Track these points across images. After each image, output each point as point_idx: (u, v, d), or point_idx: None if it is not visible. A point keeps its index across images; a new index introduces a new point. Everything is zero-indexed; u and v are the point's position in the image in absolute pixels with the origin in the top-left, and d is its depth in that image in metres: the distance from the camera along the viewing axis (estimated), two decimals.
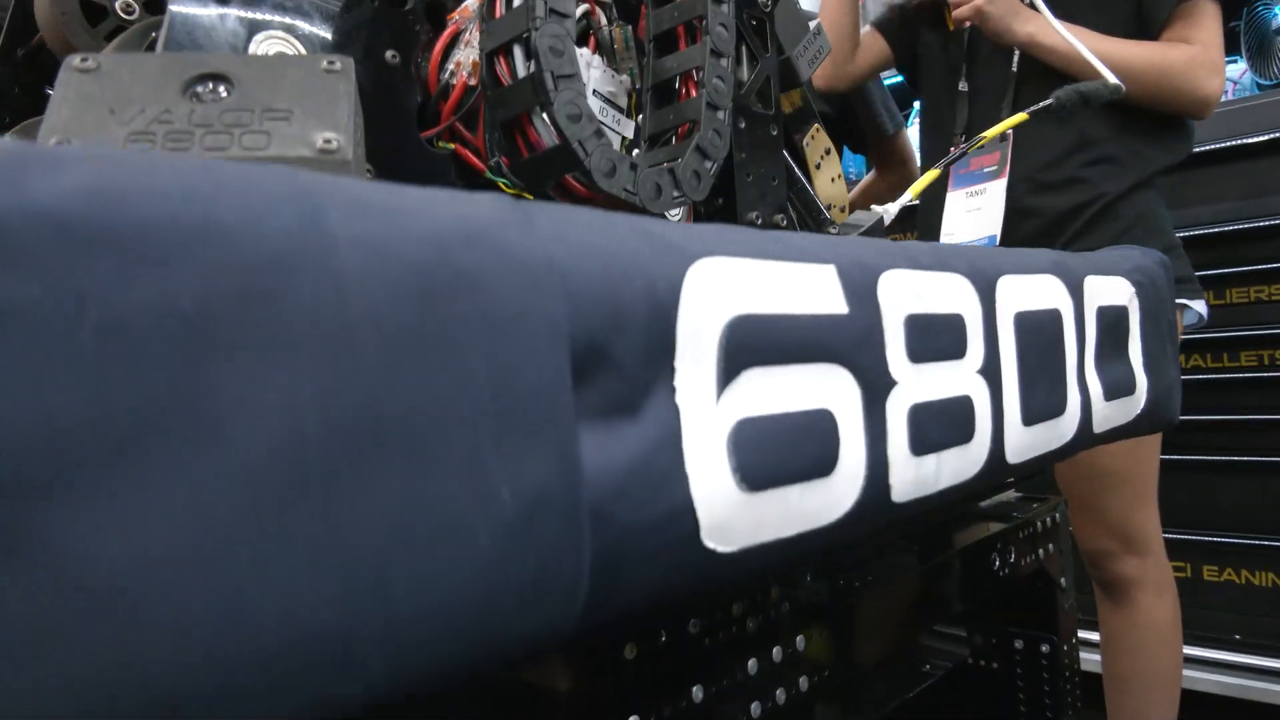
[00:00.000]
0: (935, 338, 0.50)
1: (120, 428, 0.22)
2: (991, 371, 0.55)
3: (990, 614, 1.10)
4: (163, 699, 0.22)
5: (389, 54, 0.58)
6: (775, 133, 0.67)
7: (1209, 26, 1.32)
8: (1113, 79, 0.82)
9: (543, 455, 0.29)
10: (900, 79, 2.86)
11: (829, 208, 1.12)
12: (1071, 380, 0.65)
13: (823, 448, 0.41)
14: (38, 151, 0.22)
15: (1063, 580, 1.08)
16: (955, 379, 0.51)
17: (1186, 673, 2.05)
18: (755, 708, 0.63)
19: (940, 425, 0.49)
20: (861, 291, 0.45)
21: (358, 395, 0.25)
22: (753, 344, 0.38)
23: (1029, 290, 0.61)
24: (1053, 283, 0.64)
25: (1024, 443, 0.59)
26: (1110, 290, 0.73)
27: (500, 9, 0.53)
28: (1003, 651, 1.11)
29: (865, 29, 1.67)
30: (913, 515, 0.50)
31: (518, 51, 0.52)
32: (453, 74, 0.60)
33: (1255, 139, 2.00)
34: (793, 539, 0.40)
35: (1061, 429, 0.64)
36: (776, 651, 0.65)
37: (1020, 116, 0.80)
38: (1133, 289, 0.76)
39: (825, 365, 0.42)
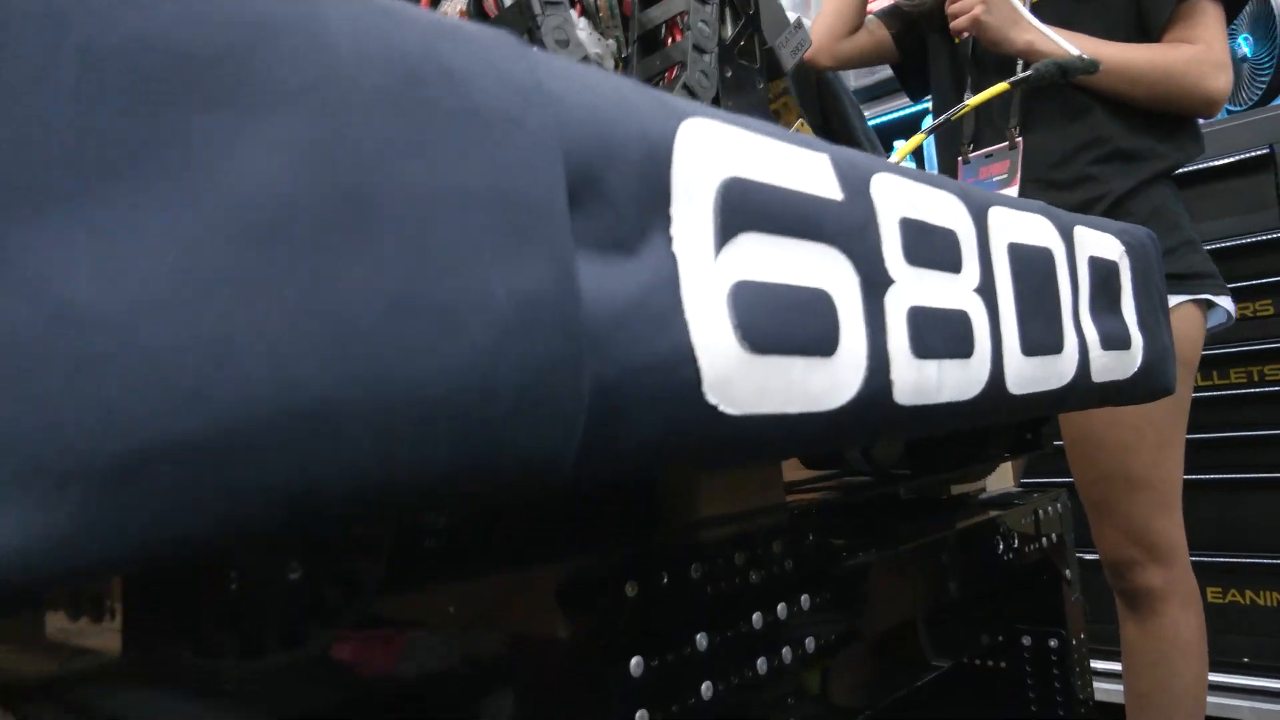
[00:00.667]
0: (930, 244, 0.50)
1: (98, 157, 0.21)
2: (988, 292, 0.55)
3: (996, 609, 1.07)
4: (142, 441, 0.21)
5: None
6: (761, 86, 0.67)
7: (1210, 25, 1.32)
8: (1087, 56, 0.84)
9: (539, 262, 0.28)
10: (904, 112, 2.91)
11: None
12: (1068, 321, 0.64)
13: (823, 326, 0.40)
14: None
15: (1068, 572, 1.06)
16: (952, 292, 0.51)
17: (1211, 699, 2.01)
18: (761, 663, 0.61)
19: (940, 334, 0.49)
20: (855, 184, 0.45)
21: (348, 162, 0.24)
22: (749, 208, 0.37)
23: (1020, 224, 0.61)
24: (1043, 223, 0.64)
25: (1024, 373, 0.58)
26: (1100, 243, 0.73)
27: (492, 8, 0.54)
28: (1011, 649, 1.08)
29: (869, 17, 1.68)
30: (915, 427, 0.49)
31: None
32: None
33: (1228, 160, 2.05)
34: (797, 418, 0.39)
35: (1061, 368, 0.63)
36: (781, 608, 0.63)
37: (1001, 86, 0.81)
38: (1122, 247, 0.77)
39: (822, 246, 0.41)
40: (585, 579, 0.53)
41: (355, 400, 0.24)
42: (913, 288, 0.47)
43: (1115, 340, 0.72)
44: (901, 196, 0.48)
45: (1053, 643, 1.05)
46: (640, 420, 0.32)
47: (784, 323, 0.38)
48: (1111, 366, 0.71)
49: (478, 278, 0.27)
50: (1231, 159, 2.03)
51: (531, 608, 0.52)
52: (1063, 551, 1.05)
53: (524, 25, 0.51)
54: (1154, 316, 0.81)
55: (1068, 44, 1.21)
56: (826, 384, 0.40)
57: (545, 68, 0.31)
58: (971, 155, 1.51)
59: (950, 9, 1.41)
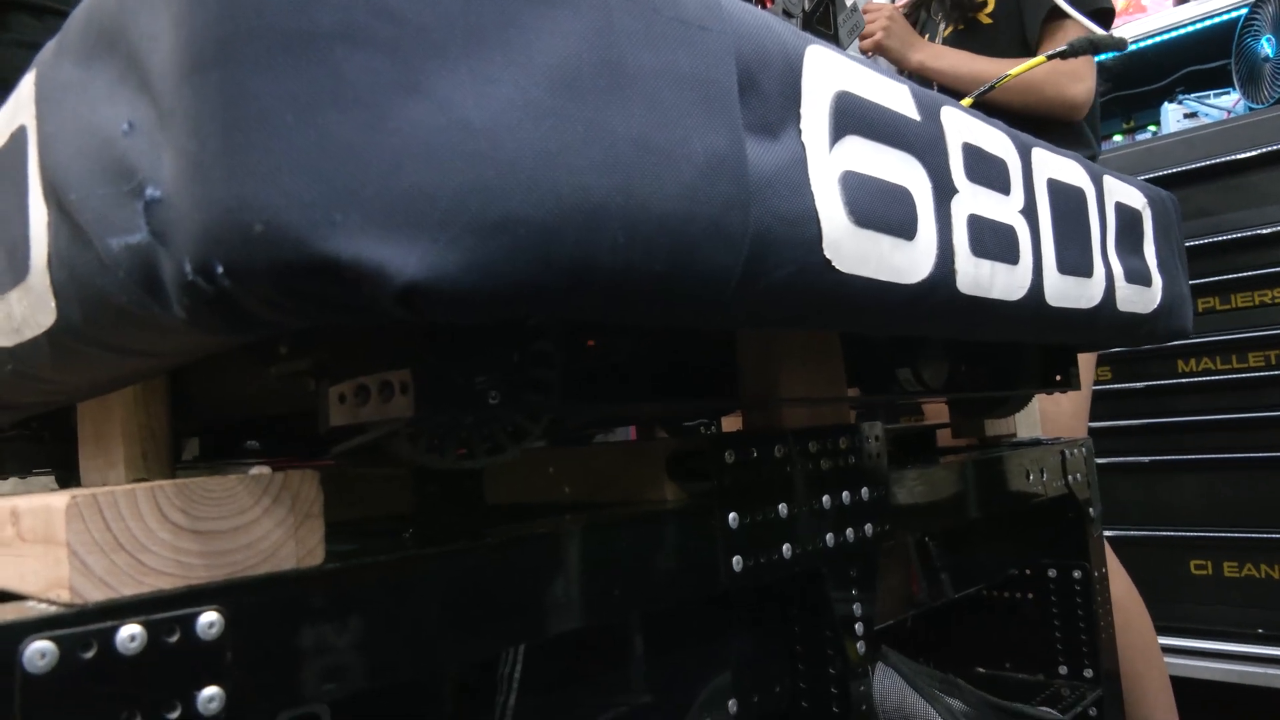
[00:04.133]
0: (986, 167, 0.60)
1: (475, 25, 0.32)
2: (1030, 215, 0.65)
3: (1024, 543, 1.17)
4: (503, 211, 0.32)
5: None
6: None
7: (1069, 37, 1.50)
8: (1116, 35, 0.95)
9: (722, 130, 0.40)
10: None
11: None
12: (1097, 252, 0.75)
13: (906, 214, 0.51)
14: None
15: (1091, 510, 1.16)
16: (1003, 208, 0.62)
17: (1210, 664, 2.09)
18: (829, 538, 0.72)
19: (993, 240, 0.60)
20: (929, 110, 0.56)
21: (610, 43, 0.36)
22: (853, 115, 0.48)
23: (1057, 164, 0.71)
24: (1076, 168, 0.75)
25: (1060, 289, 0.69)
26: (1126, 193, 0.83)
27: None
28: (1037, 581, 1.18)
29: None
30: (972, 319, 0.60)
31: None
32: None
33: (1244, 154, 2.14)
34: (883, 285, 0.50)
35: (1091, 291, 0.73)
36: (846, 495, 0.74)
37: (1039, 59, 0.92)
38: (1145, 199, 0.87)
39: (904, 154, 0.52)
40: (692, 448, 0.64)
41: (617, 206, 0.35)
42: (972, 198, 0.58)
43: (1138, 276, 0.82)
44: (964, 126, 0.59)
45: (1076, 574, 1.15)
46: (780, 259, 0.43)
47: (878, 206, 0.49)
48: (1134, 299, 0.81)
49: (685, 134, 0.38)
50: (1252, 153, 2.12)
51: (647, 470, 0.63)
52: (1087, 491, 1.15)
53: None
54: (1173, 263, 0.91)
55: (957, 58, 1.54)
56: (907, 261, 0.51)
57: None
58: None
59: None
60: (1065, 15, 1.53)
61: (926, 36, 1.66)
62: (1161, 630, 1.80)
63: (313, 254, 0.28)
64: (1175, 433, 2.22)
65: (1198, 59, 2.69)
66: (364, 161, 0.29)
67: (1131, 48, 2.63)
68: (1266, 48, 2.27)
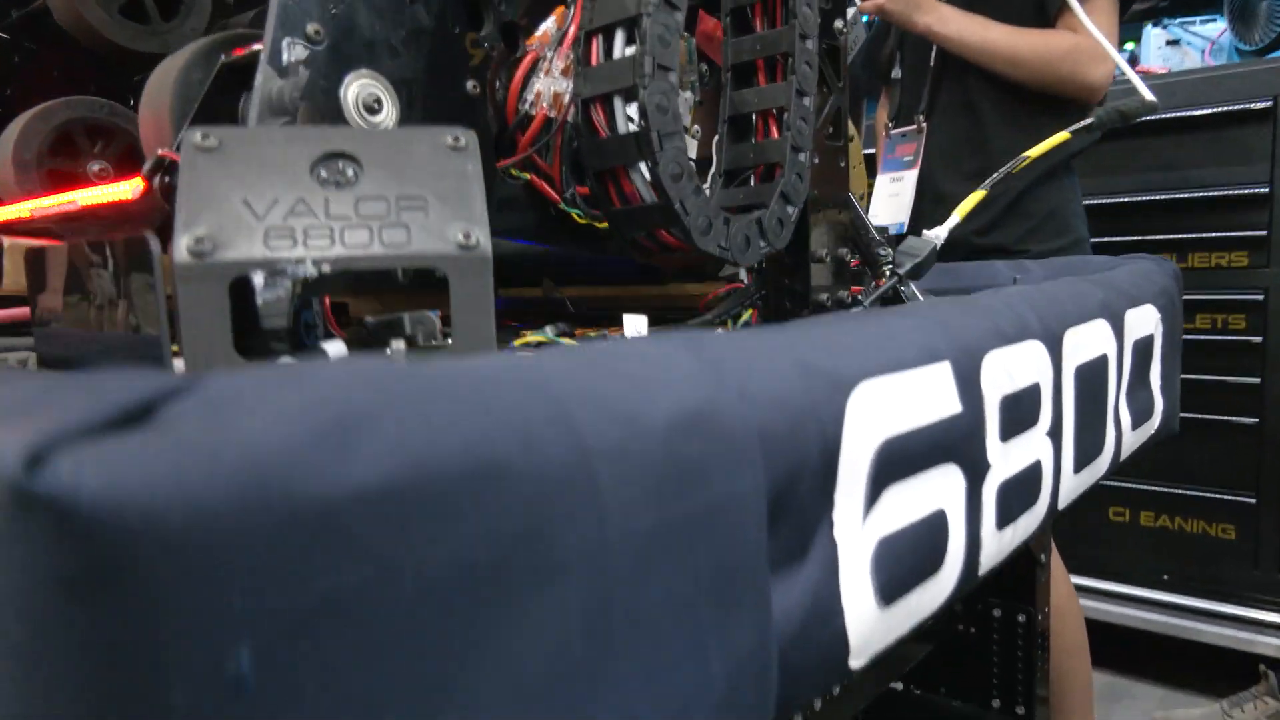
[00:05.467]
0: (1020, 412, 0.52)
1: (432, 665, 0.22)
2: (1056, 431, 0.57)
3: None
4: None
5: (470, 84, 0.56)
6: (844, 164, 0.67)
7: (1097, 16, 1.37)
8: (1149, 95, 0.83)
9: (747, 623, 0.31)
10: None
11: (859, 198, 1.13)
12: (1109, 419, 0.68)
13: (936, 547, 0.43)
14: (347, 415, 0.22)
15: (1042, 557, 1.15)
16: (1031, 447, 0.54)
17: (1121, 609, 2.20)
18: None
19: (1019, 496, 0.52)
20: (970, 384, 0.46)
21: (609, 599, 0.26)
22: (894, 463, 0.39)
23: (1086, 341, 0.63)
24: (1103, 328, 0.66)
25: (1072, 487, 0.62)
26: (1143, 321, 0.76)
27: (598, 55, 0.51)
28: (981, 618, 1.18)
29: None
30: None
31: (617, 102, 0.51)
32: (532, 104, 0.58)
33: (1218, 109, 2.05)
34: (906, 635, 0.42)
35: (1098, 466, 0.67)
36: None
37: (1063, 136, 0.81)
38: (1158, 314, 0.80)
39: (944, 466, 0.43)
40: None
41: None
42: (1004, 465, 0.50)
43: (1142, 414, 0.76)
44: (1003, 372, 0.50)
45: (1020, 618, 1.15)
46: (799, 703, 0.35)
47: (910, 563, 0.41)
48: (1135, 440, 0.75)
49: (701, 664, 0.29)
50: (1231, 108, 2.03)
51: None
52: (1041, 539, 1.13)
53: (641, 157, 0.49)
54: (1173, 369, 0.85)
55: (967, 23, 1.38)
56: (932, 596, 0.44)
57: (747, 401, 0.32)
58: (892, 131, 1.61)
59: None
60: None
61: None
62: (1077, 570, 1.88)
63: None
64: None
65: None
66: None
67: None
68: None
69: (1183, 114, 2.10)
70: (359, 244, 0.38)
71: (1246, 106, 2.02)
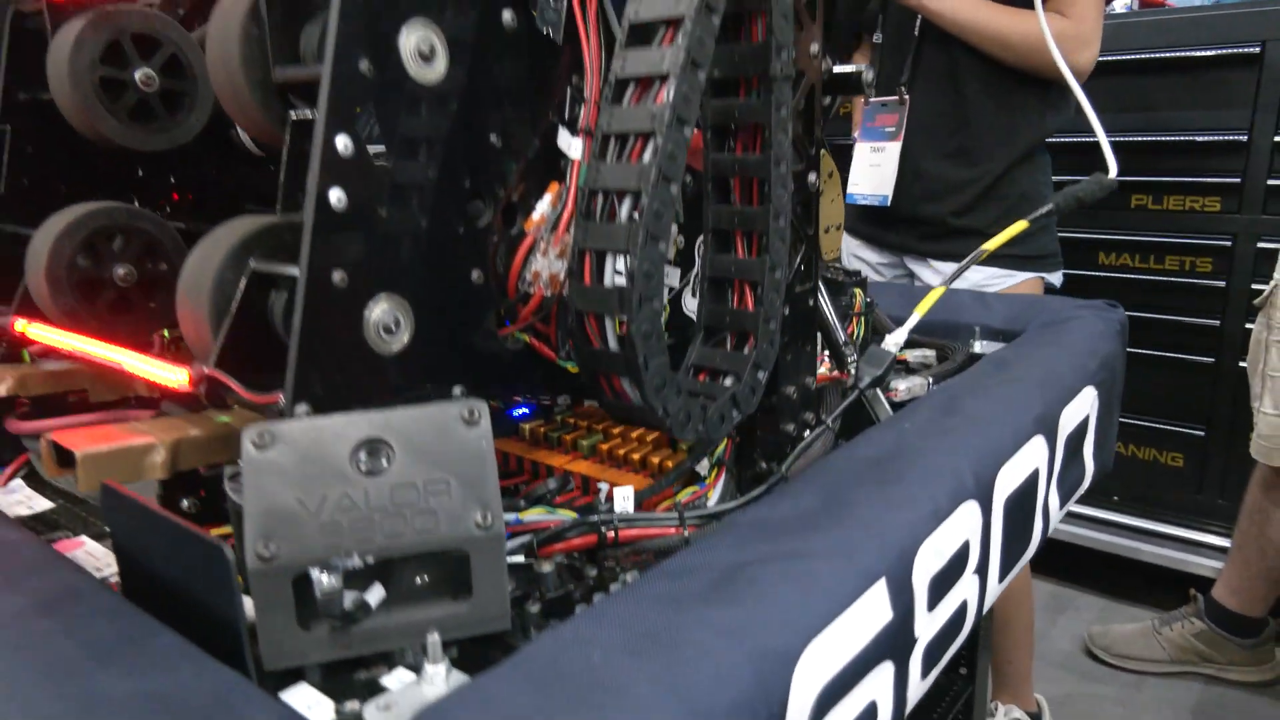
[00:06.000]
0: (948, 578, 0.61)
1: None
2: (983, 566, 0.67)
3: None
4: None
5: (475, 274, 0.62)
6: (814, 304, 0.73)
7: (1083, 2, 1.43)
8: (1112, 165, 0.88)
9: None
10: None
11: (827, 229, 1.19)
12: (1038, 517, 0.78)
13: None
14: None
15: None
16: (958, 593, 0.64)
17: (1070, 527, 2.37)
18: None
19: (943, 643, 0.62)
20: (902, 585, 0.55)
21: None
22: (833, 695, 0.49)
23: (1018, 469, 0.72)
24: (1037, 446, 0.75)
25: (997, 592, 0.72)
26: (1079, 409, 0.84)
27: (589, 277, 0.57)
28: None
29: None
30: None
31: (609, 258, 0.56)
32: (530, 283, 0.64)
33: (1205, 51, 2.04)
34: None
35: (1026, 557, 0.77)
36: None
37: (1021, 225, 0.86)
38: (1095, 392, 0.88)
39: (876, 667, 0.53)
40: None
41: None
42: (930, 631, 0.60)
43: (1073, 487, 0.86)
44: (933, 554, 0.59)
45: (962, 670, 1.28)
46: None
47: None
48: (1065, 510, 0.85)
49: None
50: (1217, 51, 2.02)
51: None
52: None
53: (623, 247, 0.55)
54: (1109, 421, 0.94)
55: (957, 4, 1.42)
56: None
57: None
58: (872, 99, 1.62)
59: None
60: None
61: None
62: None
63: None
64: None
65: None
66: None
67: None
68: None
69: (1168, 54, 2.10)
70: (395, 532, 0.47)
71: (1233, 51, 2.03)
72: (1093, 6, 1.44)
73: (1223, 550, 2.10)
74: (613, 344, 0.57)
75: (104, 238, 0.79)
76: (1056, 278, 1.59)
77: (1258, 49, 1.99)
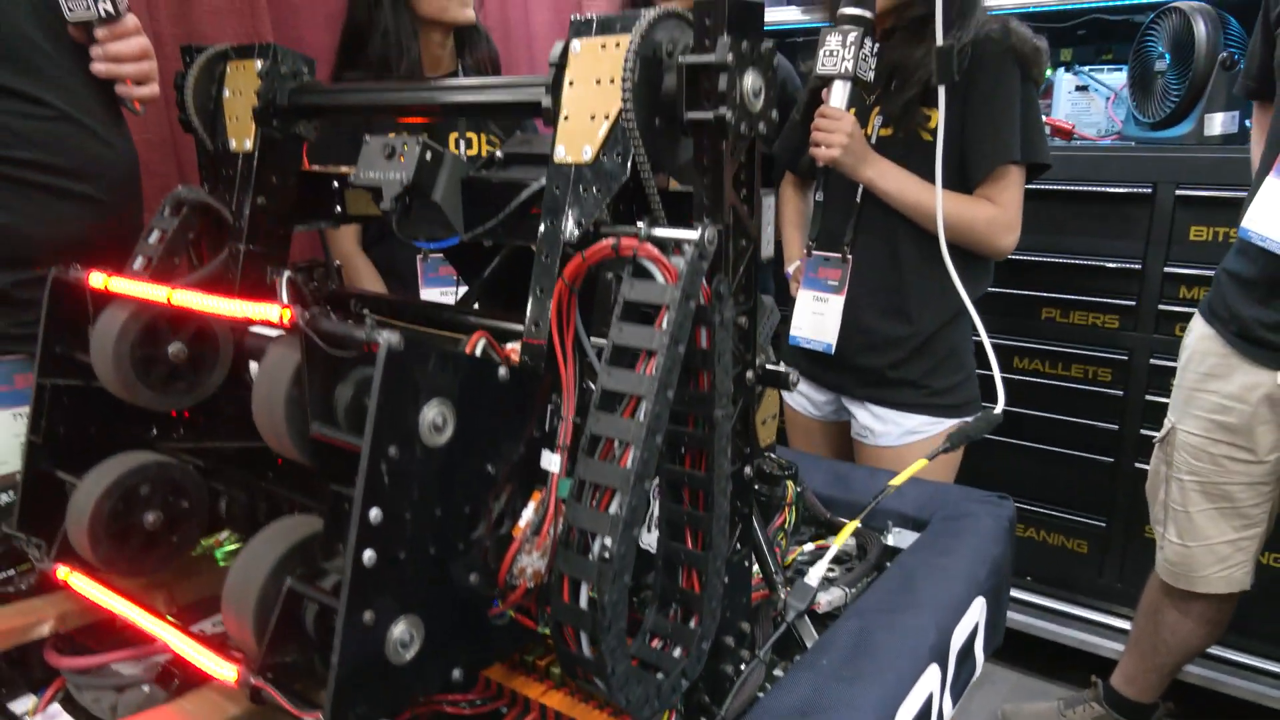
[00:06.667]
0: None
1: None
2: None
3: None
4: None
5: (472, 577, 0.76)
6: (749, 563, 0.88)
7: (1011, 189, 1.65)
8: (1000, 405, 1.05)
9: None
10: None
11: (764, 421, 1.35)
12: None
13: None
14: None
15: None
16: None
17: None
18: None
19: None
20: None
21: None
22: None
23: (915, 700, 0.88)
24: (930, 674, 0.91)
25: None
26: (969, 621, 1.01)
27: (567, 595, 0.71)
28: None
29: None
30: None
31: (583, 587, 0.71)
32: (517, 576, 0.78)
33: (1112, 188, 2.26)
34: None
35: None
36: None
37: (921, 463, 1.03)
38: (984, 601, 1.05)
39: None
40: None
41: None
42: None
43: (964, 682, 1.03)
44: None
45: None
46: None
47: None
48: (956, 709, 1.02)
49: None
50: (1116, 189, 2.25)
51: None
52: None
53: (591, 579, 0.70)
54: (997, 609, 1.11)
55: (905, 182, 1.63)
56: None
57: None
58: (815, 252, 1.81)
59: (815, 136, 1.60)
60: (1012, 163, 1.57)
61: (853, 111, 1.65)
62: None
63: None
64: None
65: (1105, 13, 2.68)
66: None
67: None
68: (1159, 64, 2.31)
69: (1076, 187, 2.32)
70: None
71: (1130, 190, 2.25)
72: (1017, 196, 1.63)
73: (1122, 632, 2.32)
74: (582, 602, 0.71)
75: (137, 490, 0.91)
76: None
77: (1149, 189, 2.21)
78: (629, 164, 0.76)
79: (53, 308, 0.95)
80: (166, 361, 0.91)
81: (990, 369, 1.08)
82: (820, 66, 1.54)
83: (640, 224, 0.74)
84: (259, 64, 1.07)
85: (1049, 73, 2.79)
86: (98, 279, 0.88)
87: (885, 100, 1.64)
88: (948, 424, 1.70)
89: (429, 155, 0.97)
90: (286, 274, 1.13)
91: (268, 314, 0.71)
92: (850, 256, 1.72)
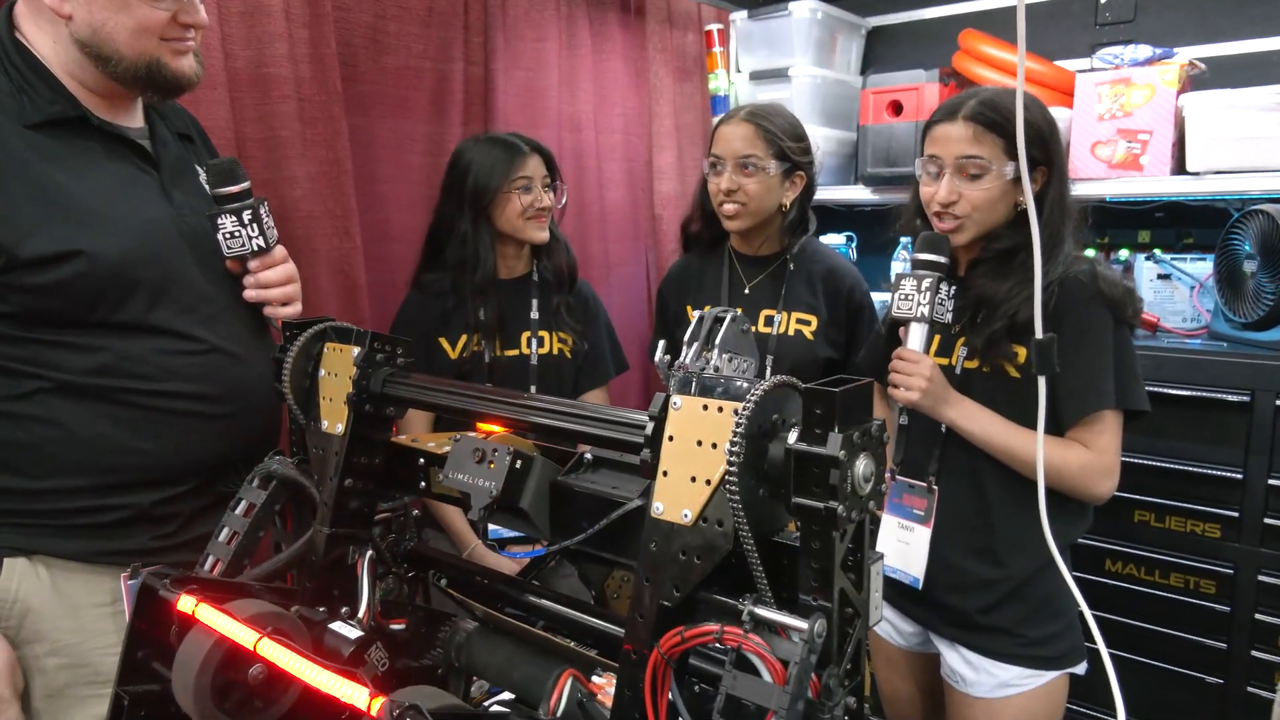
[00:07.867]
0: None
1: None
2: None
3: None
4: None
5: None
6: None
7: (1107, 433, 1.55)
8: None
9: None
10: None
11: None
12: None
13: None
14: None
15: None
16: None
17: None
18: None
19: None
20: None
21: None
22: None
23: None
24: None
25: None
26: None
27: None
28: None
29: None
30: None
31: None
32: None
33: (1205, 393, 2.17)
34: None
35: None
36: None
37: None
38: None
39: None
40: None
41: None
42: None
43: None
44: None
45: None
46: None
47: None
48: None
49: None
50: (1211, 394, 2.16)
51: None
52: None
53: None
54: None
55: (990, 424, 1.54)
56: None
57: None
58: (899, 478, 1.71)
59: (893, 378, 1.54)
60: (1108, 408, 1.51)
61: (934, 348, 1.61)
62: None
63: None
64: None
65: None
66: None
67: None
68: (1248, 264, 2.25)
69: (1169, 390, 2.23)
70: None
71: (1224, 396, 2.16)
72: (1115, 441, 1.54)
73: None
74: None
75: None
76: (1080, 668, 1.64)
77: (1247, 398, 2.12)
78: (730, 533, 0.73)
79: (139, 615, 0.94)
80: (245, 685, 0.89)
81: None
82: (896, 309, 1.53)
83: (744, 603, 0.71)
84: (355, 352, 1.08)
85: (1125, 253, 2.76)
86: (186, 603, 0.87)
87: (971, 332, 1.59)
88: (1048, 677, 1.58)
89: (519, 464, 0.96)
90: (369, 554, 1.12)
91: (356, 699, 0.69)
92: (935, 487, 1.65)
